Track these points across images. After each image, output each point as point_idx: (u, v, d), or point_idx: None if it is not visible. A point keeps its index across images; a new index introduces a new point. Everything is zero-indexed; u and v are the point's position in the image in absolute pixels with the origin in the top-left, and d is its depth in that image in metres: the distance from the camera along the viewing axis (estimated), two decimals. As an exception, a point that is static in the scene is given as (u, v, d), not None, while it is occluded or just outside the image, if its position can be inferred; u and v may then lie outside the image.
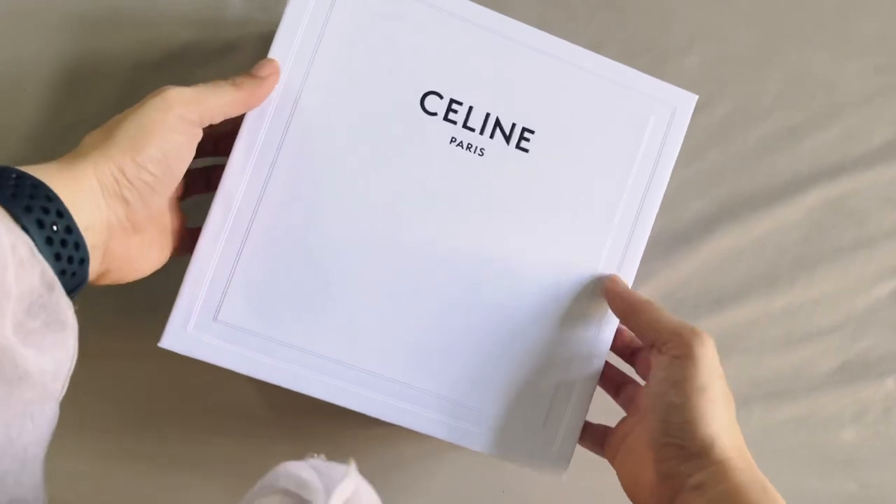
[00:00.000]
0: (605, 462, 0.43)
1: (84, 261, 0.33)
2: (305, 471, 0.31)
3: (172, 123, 0.36)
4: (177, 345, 0.41)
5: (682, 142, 0.44)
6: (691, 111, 0.44)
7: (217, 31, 0.49)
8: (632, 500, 0.41)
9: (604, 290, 0.43)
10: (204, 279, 0.41)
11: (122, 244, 0.37)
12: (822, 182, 0.52)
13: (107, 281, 0.38)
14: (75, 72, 0.49)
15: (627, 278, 0.44)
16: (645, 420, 0.40)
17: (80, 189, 0.34)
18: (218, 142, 0.44)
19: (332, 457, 0.34)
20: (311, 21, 0.42)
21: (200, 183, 0.45)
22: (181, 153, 0.38)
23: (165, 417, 0.49)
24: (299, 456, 0.48)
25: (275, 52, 0.42)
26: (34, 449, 0.31)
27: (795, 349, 0.52)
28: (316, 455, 0.33)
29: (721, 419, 0.37)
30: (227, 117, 0.39)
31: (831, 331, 0.52)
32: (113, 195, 0.35)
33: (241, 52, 0.50)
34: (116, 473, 0.48)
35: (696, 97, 0.44)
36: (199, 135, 0.38)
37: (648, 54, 0.52)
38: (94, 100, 0.49)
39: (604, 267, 0.44)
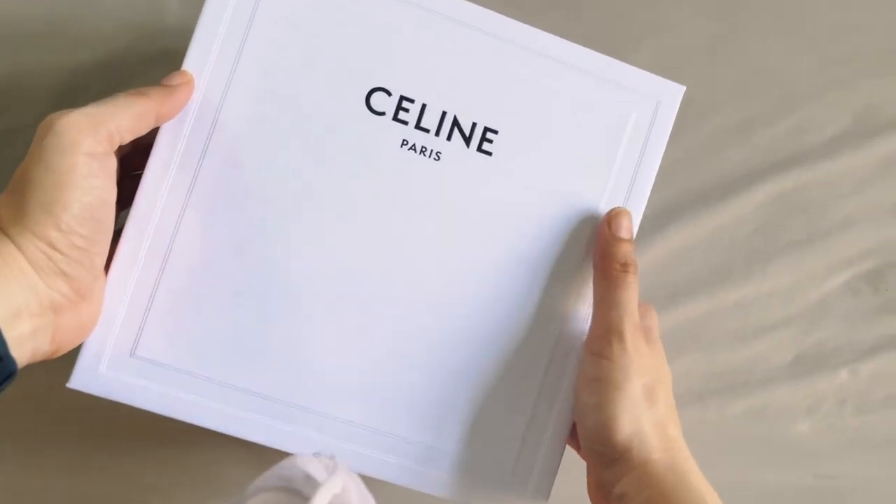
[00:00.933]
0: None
1: (3, 357, 0.29)
2: (312, 465, 0.29)
3: (83, 166, 0.31)
4: (88, 386, 0.36)
5: (666, 142, 0.40)
6: (677, 105, 0.40)
7: (157, 36, 0.46)
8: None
9: (597, 231, 0.39)
10: (118, 311, 0.36)
11: (73, 317, 0.33)
12: (774, 175, 0.52)
13: (62, 353, 0.34)
14: (9, 78, 0.45)
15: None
16: None
17: (9, 273, 0.30)
18: (145, 153, 0.39)
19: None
20: (235, 13, 0.37)
21: (132, 192, 0.41)
22: (104, 197, 0.33)
23: (117, 430, 0.46)
24: (259, 463, 0.46)
25: (192, 55, 0.36)
26: None
27: (750, 343, 0.52)
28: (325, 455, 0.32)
29: (640, 420, 0.35)
30: (139, 134, 0.34)
31: (785, 324, 0.52)
32: (50, 273, 0.31)
33: (181, 56, 0.47)
34: (65, 490, 0.46)
35: (683, 88, 0.40)
36: (114, 164, 0.33)
37: (600, 46, 0.50)
38: (31, 106, 0.45)
39: (576, 284, 0.40)
